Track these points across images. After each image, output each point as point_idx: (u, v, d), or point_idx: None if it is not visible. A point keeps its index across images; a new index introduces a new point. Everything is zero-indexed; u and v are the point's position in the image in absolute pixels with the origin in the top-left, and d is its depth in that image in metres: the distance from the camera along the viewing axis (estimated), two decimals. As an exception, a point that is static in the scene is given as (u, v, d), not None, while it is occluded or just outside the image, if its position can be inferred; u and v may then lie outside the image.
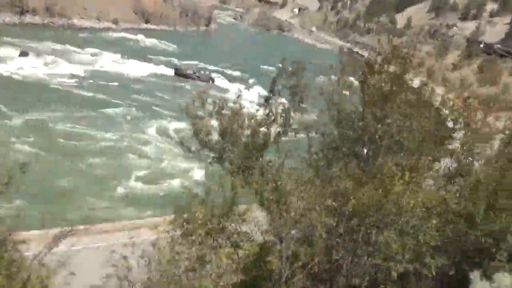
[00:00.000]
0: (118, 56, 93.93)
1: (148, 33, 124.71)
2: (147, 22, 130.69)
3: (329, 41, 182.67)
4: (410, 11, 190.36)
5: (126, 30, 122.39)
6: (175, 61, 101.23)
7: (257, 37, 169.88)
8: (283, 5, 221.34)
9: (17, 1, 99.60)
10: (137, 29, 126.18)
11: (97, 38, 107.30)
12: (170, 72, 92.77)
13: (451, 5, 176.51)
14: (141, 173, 47.30)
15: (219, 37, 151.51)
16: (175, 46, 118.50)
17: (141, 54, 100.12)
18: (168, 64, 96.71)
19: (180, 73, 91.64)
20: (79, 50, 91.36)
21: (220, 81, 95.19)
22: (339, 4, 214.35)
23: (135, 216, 37.01)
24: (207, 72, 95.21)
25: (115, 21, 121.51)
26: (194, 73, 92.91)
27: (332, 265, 13.15)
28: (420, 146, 15.59)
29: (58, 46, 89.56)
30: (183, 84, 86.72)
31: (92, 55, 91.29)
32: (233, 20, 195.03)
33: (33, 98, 60.38)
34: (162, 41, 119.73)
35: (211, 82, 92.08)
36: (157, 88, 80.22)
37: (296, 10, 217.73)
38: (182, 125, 54.62)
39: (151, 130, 59.98)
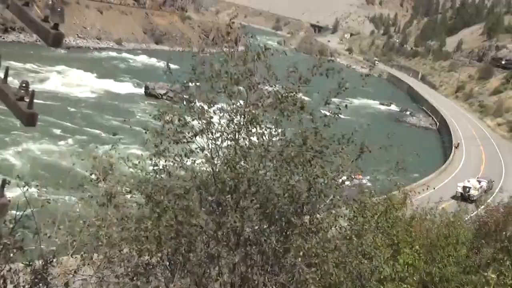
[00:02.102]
0: (87, 74, 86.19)
1: (156, 54, 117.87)
2: (157, 42, 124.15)
3: (370, 65, 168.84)
4: (463, 33, 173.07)
5: (129, 51, 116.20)
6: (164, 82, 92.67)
7: (291, 61, 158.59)
8: (334, 31, 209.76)
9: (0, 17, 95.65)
10: (144, 50, 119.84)
11: (83, 58, 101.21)
12: (141, 91, 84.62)
13: (505, 27, 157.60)
14: None
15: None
16: (177, 66, 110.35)
17: (119, 73, 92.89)
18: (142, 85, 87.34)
19: (150, 93, 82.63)
20: (42, 68, 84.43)
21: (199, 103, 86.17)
22: (392, 29, 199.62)
23: None
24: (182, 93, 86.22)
25: (119, 41, 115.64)
26: (166, 93, 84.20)
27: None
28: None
29: (18, 64, 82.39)
30: (141, 103, 77.72)
31: (58, 72, 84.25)
32: (277, 44, 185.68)
33: None
34: (163, 62, 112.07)
35: (185, 103, 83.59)
36: (110, 109, 69.61)
37: (347, 36, 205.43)
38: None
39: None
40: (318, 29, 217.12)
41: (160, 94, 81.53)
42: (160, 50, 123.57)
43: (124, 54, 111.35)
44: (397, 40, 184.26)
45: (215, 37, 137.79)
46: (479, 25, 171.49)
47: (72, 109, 65.62)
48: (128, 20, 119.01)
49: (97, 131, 57.68)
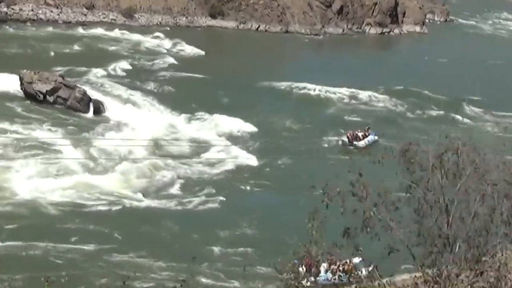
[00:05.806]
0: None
1: (196, 34, 66.34)
2: (214, 15, 71.83)
3: None
4: None
5: (143, 28, 66.17)
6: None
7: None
8: None
9: None
10: (178, 27, 68.68)
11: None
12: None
13: None
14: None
15: (405, 52, 79.10)
16: (200, 52, 58.55)
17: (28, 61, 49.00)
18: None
19: (27, 91, 44.88)
20: None
21: (124, 111, 45.18)
22: None
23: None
24: (83, 94, 43.54)
25: (128, 13, 67.18)
26: (53, 91, 44.07)
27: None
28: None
29: None
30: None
31: None
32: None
33: None
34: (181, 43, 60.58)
35: (92, 112, 44.48)
36: None
37: None
38: None
39: None
40: None
41: (40, 93, 44.49)
42: (216, 28, 71.35)
43: (116, 32, 62.11)
44: None
45: (343, 7, 78.83)
46: None
47: None
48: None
49: None
